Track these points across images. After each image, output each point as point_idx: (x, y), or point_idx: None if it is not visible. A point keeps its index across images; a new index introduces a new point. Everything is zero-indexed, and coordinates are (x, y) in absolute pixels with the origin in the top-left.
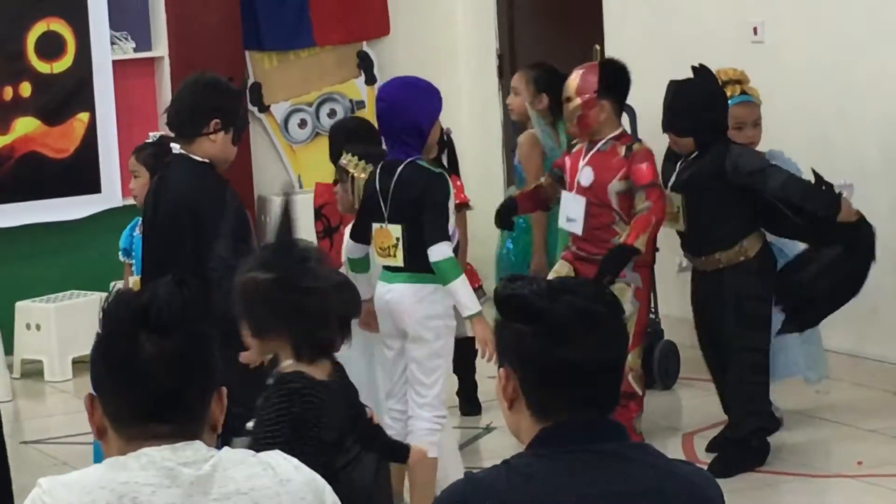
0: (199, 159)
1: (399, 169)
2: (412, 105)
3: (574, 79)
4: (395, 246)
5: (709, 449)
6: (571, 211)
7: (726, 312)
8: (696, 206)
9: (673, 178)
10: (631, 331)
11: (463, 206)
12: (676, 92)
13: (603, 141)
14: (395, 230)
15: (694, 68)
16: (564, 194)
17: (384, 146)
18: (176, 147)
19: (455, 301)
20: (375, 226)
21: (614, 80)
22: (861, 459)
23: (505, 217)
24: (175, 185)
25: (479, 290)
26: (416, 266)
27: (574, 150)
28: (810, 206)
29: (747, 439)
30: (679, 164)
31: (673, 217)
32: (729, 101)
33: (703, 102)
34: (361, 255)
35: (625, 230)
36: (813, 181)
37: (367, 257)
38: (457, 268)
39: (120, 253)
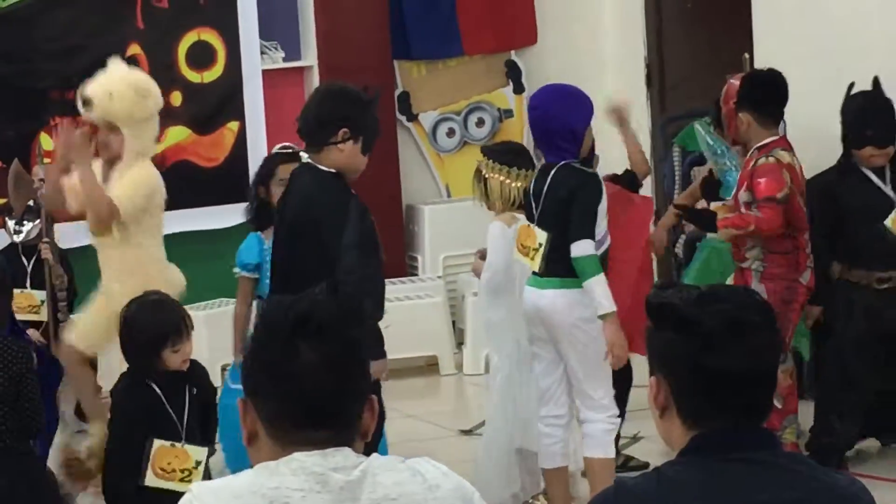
0: (326, 169)
1: (553, 171)
2: (565, 111)
3: (726, 87)
4: (537, 250)
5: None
6: None
7: None
8: None
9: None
10: None
11: None
12: (871, 103)
13: (750, 151)
14: (541, 235)
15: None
16: None
17: (536, 156)
18: (305, 156)
19: (591, 298)
20: (523, 222)
21: (753, 91)
22: None
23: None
24: (299, 195)
25: None
26: (565, 272)
27: None
28: None
29: None
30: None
31: None
32: None
33: None
34: None
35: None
36: None
37: None
38: (596, 265)
39: (239, 268)
